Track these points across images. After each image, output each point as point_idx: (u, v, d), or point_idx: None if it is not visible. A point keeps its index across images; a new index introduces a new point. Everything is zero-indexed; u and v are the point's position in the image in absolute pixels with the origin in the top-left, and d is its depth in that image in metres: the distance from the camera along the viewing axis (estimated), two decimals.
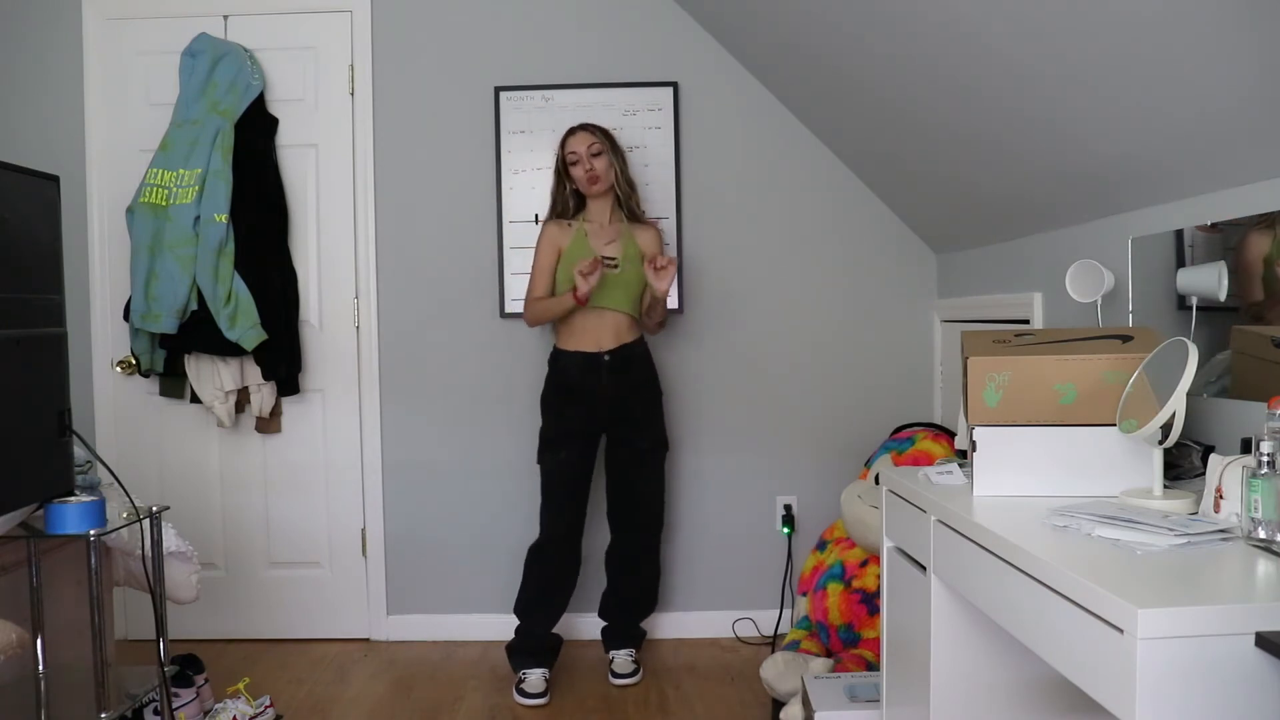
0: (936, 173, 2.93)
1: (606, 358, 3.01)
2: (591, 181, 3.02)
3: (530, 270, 3.10)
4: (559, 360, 3.06)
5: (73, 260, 3.01)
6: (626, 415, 3.07)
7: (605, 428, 3.08)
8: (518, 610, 3.10)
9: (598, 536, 3.23)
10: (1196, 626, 1.08)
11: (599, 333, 3.01)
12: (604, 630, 3.21)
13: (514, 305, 3.41)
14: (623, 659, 3.09)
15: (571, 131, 3.07)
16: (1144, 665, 1.08)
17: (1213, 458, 1.54)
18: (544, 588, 3.07)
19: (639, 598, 3.22)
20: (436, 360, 3.46)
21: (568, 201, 3.10)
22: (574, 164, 3.03)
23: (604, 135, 3.07)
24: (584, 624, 3.36)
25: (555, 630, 3.10)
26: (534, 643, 3.05)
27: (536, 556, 3.08)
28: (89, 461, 2.24)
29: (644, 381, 3.11)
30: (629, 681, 3.03)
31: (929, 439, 2.96)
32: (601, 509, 3.19)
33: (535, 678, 2.95)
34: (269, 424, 3.44)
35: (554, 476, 3.05)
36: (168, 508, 2.21)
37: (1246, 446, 1.49)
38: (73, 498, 1.99)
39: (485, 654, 3.33)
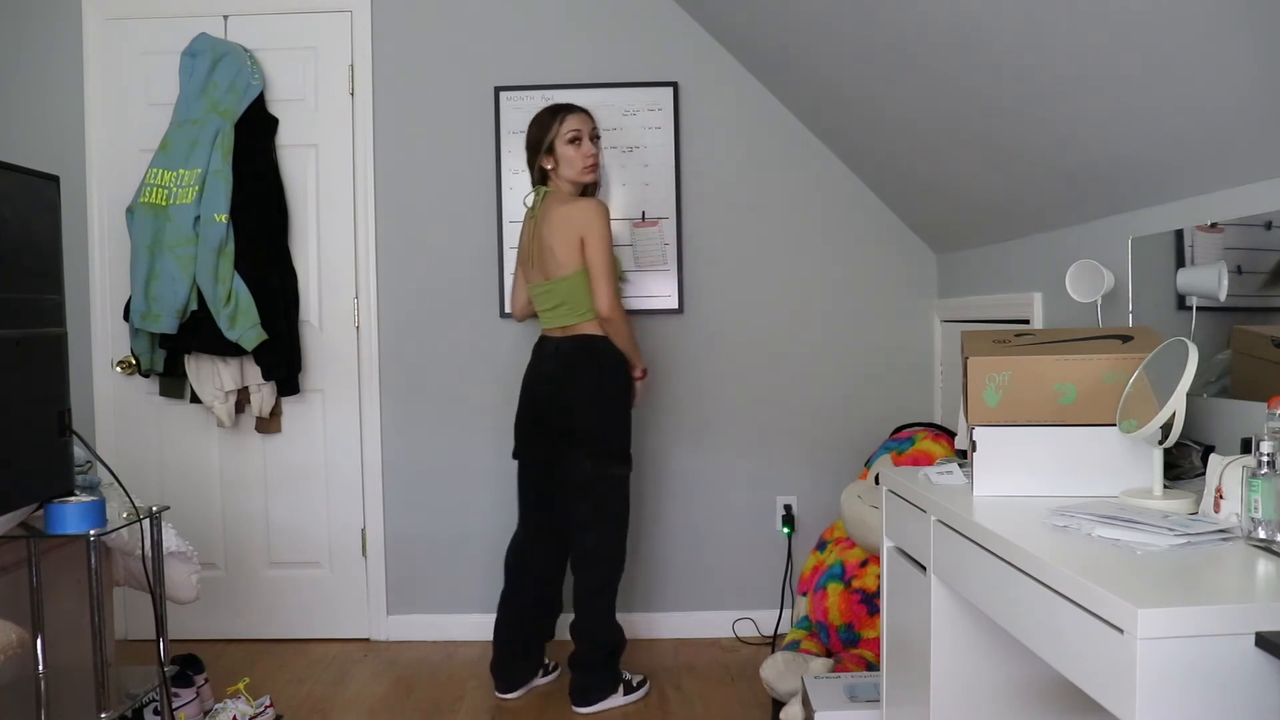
0: (936, 173, 2.93)
1: None
2: (591, 170, 2.87)
3: (607, 263, 2.77)
4: (619, 357, 2.84)
5: (73, 260, 3.02)
6: None
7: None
8: (615, 628, 2.93)
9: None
10: (1196, 626, 1.08)
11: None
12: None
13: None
14: None
15: (569, 109, 2.87)
16: (1144, 665, 1.08)
17: (1213, 458, 1.54)
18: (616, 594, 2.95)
19: (574, 637, 3.03)
20: (436, 360, 3.46)
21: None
22: (574, 141, 2.82)
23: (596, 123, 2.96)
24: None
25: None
26: (494, 663, 2.99)
27: (621, 572, 2.93)
28: (89, 461, 2.24)
29: None
30: None
31: (929, 439, 2.95)
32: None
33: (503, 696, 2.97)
34: (269, 424, 3.44)
35: (628, 487, 2.92)
36: (168, 508, 2.21)
37: (1246, 446, 1.49)
38: (73, 498, 1.99)
39: (485, 654, 3.33)
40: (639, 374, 2.96)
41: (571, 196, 2.88)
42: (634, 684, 2.95)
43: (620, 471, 2.87)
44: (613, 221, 3.04)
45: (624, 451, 2.88)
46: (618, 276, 2.89)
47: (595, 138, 2.92)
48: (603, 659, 2.89)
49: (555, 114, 2.88)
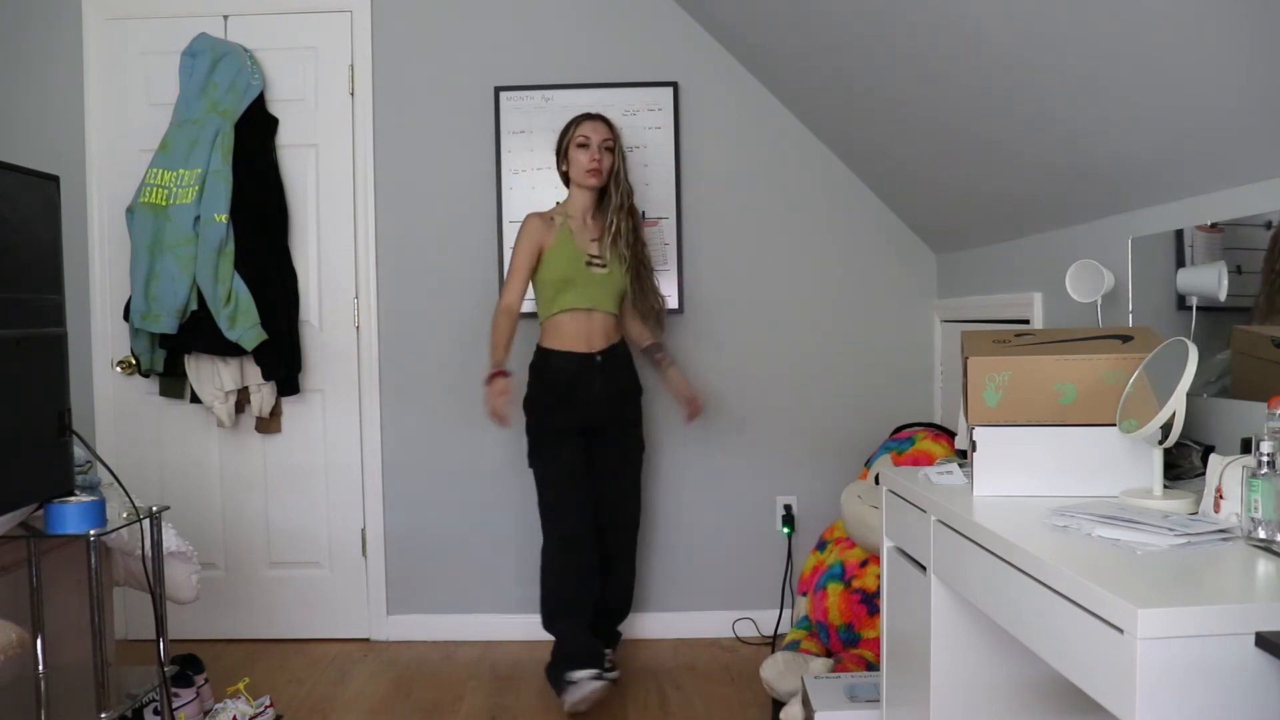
0: (936, 173, 2.93)
1: (599, 358, 2.98)
2: (593, 174, 2.97)
3: (510, 265, 3.03)
4: (549, 361, 2.98)
5: (73, 260, 3.00)
6: (615, 416, 3.04)
7: (593, 429, 3.01)
8: (549, 624, 2.97)
9: None
10: (1196, 626, 1.08)
11: (589, 333, 2.98)
12: None
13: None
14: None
15: (588, 116, 3.03)
16: (1144, 665, 1.08)
17: (1213, 458, 1.54)
18: (572, 592, 2.93)
19: (615, 600, 3.14)
20: (436, 360, 3.46)
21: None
22: (581, 147, 2.98)
23: (618, 134, 3.05)
24: None
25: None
26: (578, 649, 2.86)
27: (558, 562, 2.94)
28: (89, 461, 2.24)
29: (630, 382, 3.09)
30: (602, 681, 2.84)
31: (929, 439, 2.95)
32: None
33: (587, 677, 2.77)
34: (269, 424, 3.44)
35: (560, 477, 2.95)
36: (168, 508, 2.21)
37: (1246, 446, 1.49)
38: (73, 498, 1.99)
39: (485, 654, 3.33)
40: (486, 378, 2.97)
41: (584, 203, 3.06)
42: (578, 691, 2.78)
43: (531, 464, 3.06)
44: None
45: (535, 444, 3.06)
46: (515, 291, 3.02)
47: (609, 148, 2.99)
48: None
49: (574, 121, 3.05)
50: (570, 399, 2.97)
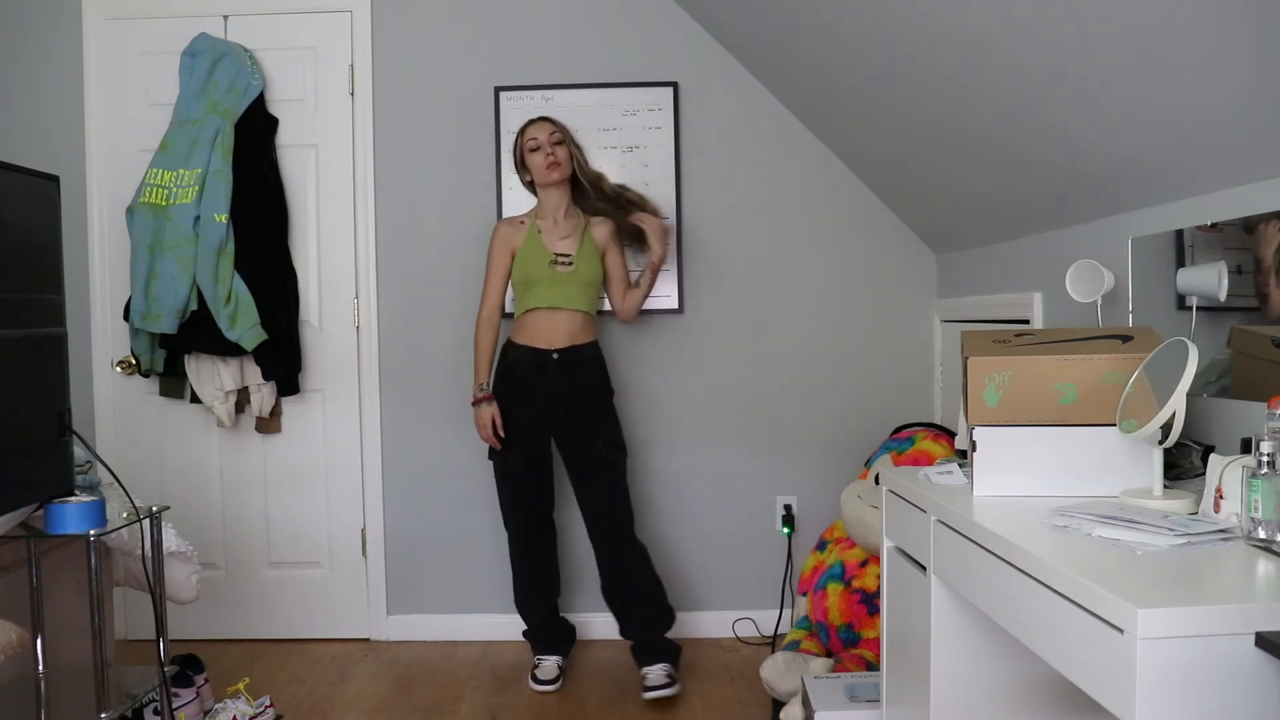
0: (936, 173, 2.93)
1: (555, 355, 3.00)
2: (552, 168, 3.02)
3: (485, 275, 3.12)
4: (508, 353, 3.06)
5: (73, 260, 3.02)
6: (574, 416, 3.04)
7: (554, 428, 3.05)
8: (518, 608, 3.19)
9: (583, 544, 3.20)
10: (1196, 626, 1.08)
11: (552, 331, 3.01)
12: (631, 649, 3.05)
13: (513, 305, 3.40)
14: (655, 673, 2.92)
15: (531, 122, 3.10)
16: (1144, 665, 1.08)
17: (1213, 458, 1.53)
18: (526, 581, 3.15)
19: (638, 605, 3.06)
20: (436, 360, 3.46)
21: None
22: (534, 150, 3.04)
23: (562, 127, 3.11)
24: (591, 623, 3.38)
25: (564, 617, 3.22)
26: (539, 633, 3.14)
27: (513, 560, 3.16)
28: (89, 461, 2.24)
29: (593, 384, 3.07)
30: (663, 693, 2.85)
31: (929, 439, 2.95)
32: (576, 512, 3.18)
33: (548, 665, 3.07)
34: (269, 424, 3.44)
35: (505, 480, 3.09)
36: (168, 508, 2.21)
37: (1246, 446, 1.49)
38: (73, 498, 1.99)
39: (485, 654, 3.34)
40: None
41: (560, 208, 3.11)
42: (536, 673, 3.05)
43: (489, 456, 3.14)
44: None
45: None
46: (493, 297, 3.13)
47: (558, 142, 3.07)
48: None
49: (519, 131, 3.13)
50: (527, 394, 3.02)
